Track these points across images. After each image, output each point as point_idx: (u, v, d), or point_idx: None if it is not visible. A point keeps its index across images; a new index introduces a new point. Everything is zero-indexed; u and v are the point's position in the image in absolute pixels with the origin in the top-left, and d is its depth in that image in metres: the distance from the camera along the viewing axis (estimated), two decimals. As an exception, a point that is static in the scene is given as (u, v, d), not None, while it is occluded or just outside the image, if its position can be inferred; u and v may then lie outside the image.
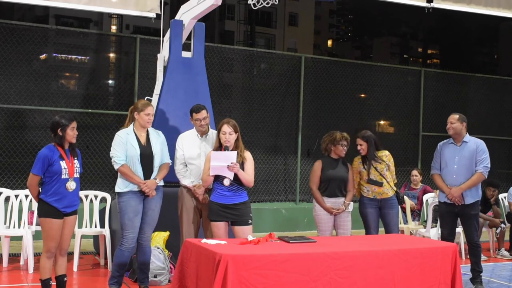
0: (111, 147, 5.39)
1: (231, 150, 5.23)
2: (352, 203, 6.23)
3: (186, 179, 5.69)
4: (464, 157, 6.17)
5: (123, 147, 5.30)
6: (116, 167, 5.30)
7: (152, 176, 5.35)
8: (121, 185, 5.32)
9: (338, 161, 6.23)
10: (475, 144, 6.21)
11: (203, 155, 5.61)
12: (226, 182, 5.16)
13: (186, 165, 5.73)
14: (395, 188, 6.40)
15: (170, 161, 5.57)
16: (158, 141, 5.49)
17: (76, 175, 4.98)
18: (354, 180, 6.32)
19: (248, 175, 5.23)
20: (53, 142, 4.95)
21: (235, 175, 5.16)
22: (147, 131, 5.47)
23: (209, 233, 5.44)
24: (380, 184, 6.25)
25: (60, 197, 4.87)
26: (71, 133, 4.93)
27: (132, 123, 5.48)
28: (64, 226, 4.94)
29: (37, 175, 4.86)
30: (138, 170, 5.30)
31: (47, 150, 4.89)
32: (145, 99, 7.27)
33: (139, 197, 5.31)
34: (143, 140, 5.41)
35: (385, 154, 6.38)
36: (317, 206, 6.17)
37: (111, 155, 5.35)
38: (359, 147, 6.34)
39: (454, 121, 6.23)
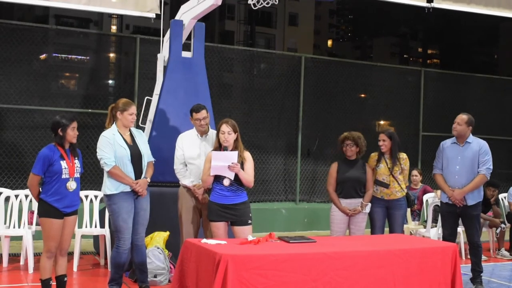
0: (97, 148, 5.24)
1: (231, 150, 5.22)
2: (369, 204, 6.20)
3: (186, 179, 5.68)
4: (467, 158, 6.14)
5: (111, 148, 5.18)
6: (107, 169, 5.17)
7: (142, 176, 5.31)
8: (111, 187, 5.20)
9: (354, 162, 6.22)
10: (478, 145, 6.17)
11: (203, 155, 5.60)
12: (226, 182, 5.15)
13: (185, 165, 5.72)
14: (405, 190, 6.37)
15: (154, 159, 5.52)
16: (142, 140, 5.44)
17: (77, 175, 4.98)
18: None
19: (248, 175, 5.23)
20: (53, 142, 4.95)
21: (236, 175, 5.15)
22: (130, 130, 5.39)
23: (209, 233, 5.43)
24: (386, 186, 6.23)
25: (60, 197, 4.86)
26: (72, 133, 4.93)
27: (114, 122, 5.35)
28: (65, 226, 4.93)
29: (38, 175, 4.86)
30: (129, 171, 5.22)
31: (47, 150, 4.89)
32: (145, 99, 7.28)
33: (131, 198, 5.25)
34: (128, 140, 5.31)
35: (403, 157, 6.33)
36: (333, 206, 6.20)
37: (99, 157, 5.21)
38: (381, 143, 6.28)
39: (462, 123, 6.15)
